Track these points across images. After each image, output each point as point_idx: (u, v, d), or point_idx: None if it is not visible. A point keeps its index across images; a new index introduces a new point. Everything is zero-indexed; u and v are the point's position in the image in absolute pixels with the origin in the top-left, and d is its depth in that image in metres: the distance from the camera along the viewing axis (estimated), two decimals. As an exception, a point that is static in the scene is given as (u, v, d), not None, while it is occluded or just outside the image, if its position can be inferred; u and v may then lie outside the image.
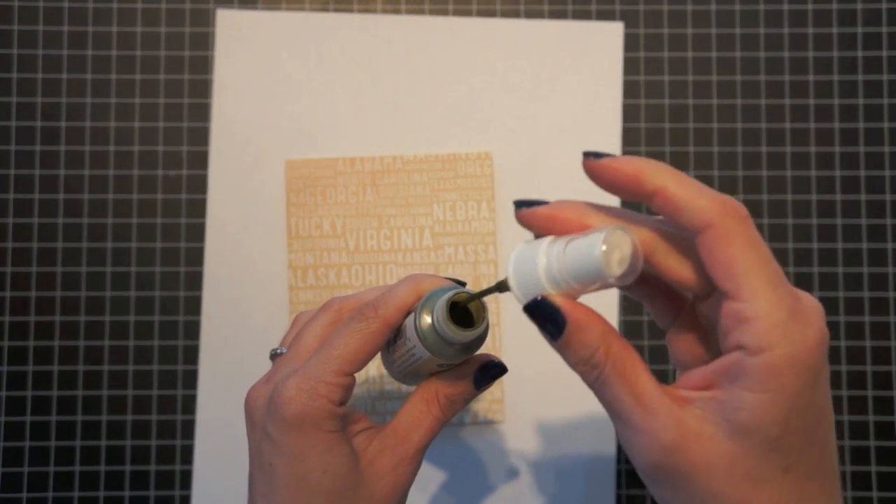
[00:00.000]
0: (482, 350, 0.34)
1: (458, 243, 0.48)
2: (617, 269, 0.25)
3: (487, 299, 0.31)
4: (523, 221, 0.28)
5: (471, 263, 0.48)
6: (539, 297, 0.27)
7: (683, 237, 0.27)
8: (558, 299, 0.27)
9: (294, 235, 0.48)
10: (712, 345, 0.29)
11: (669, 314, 0.30)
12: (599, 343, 0.26)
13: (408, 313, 0.32)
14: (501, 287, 0.29)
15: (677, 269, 0.27)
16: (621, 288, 0.27)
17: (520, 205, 0.28)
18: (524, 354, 0.48)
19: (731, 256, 0.25)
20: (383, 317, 0.32)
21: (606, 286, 0.26)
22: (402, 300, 0.32)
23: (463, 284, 0.34)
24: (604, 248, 0.25)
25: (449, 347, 0.32)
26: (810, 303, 0.26)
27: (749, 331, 0.25)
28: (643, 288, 0.30)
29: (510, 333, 0.48)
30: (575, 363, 0.27)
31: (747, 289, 0.25)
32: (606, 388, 0.26)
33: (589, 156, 0.27)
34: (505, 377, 0.44)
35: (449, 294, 0.31)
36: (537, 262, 0.27)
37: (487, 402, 0.48)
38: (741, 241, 0.25)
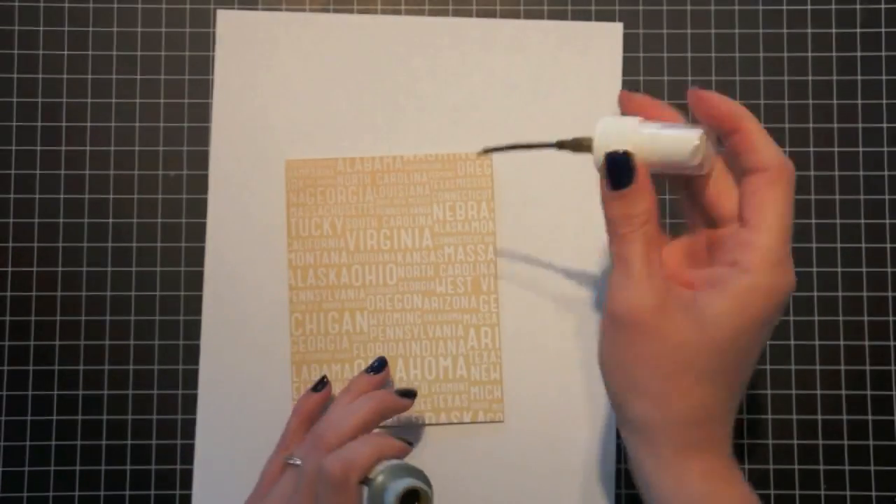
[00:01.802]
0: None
1: (457, 243, 0.48)
2: (697, 162, 0.33)
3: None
4: (622, 101, 0.37)
5: (470, 263, 0.48)
6: (622, 151, 0.33)
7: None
8: (638, 160, 0.33)
9: (294, 235, 0.49)
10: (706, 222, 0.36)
11: (690, 203, 0.37)
12: (646, 210, 0.33)
13: (366, 476, 0.39)
14: (575, 145, 0.36)
15: (713, 188, 0.35)
16: (677, 174, 0.35)
17: (625, 92, 0.37)
18: (524, 355, 0.48)
19: (767, 197, 0.32)
20: (350, 480, 0.38)
21: (678, 170, 0.34)
22: (365, 462, 0.39)
23: (410, 444, 0.42)
24: (698, 142, 0.33)
25: None
26: (792, 266, 0.33)
27: (749, 253, 0.31)
28: (687, 188, 0.37)
29: (510, 335, 0.48)
30: (618, 215, 0.33)
31: (764, 224, 0.31)
32: (628, 244, 0.33)
33: (695, 87, 0.35)
34: (505, 377, 0.45)
35: (403, 485, 0.37)
36: (627, 131, 0.34)
37: (488, 401, 0.48)
38: (781, 191, 0.32)
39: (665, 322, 0.32)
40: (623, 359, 0.33)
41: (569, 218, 0.49)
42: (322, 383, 0.46)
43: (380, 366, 0.46)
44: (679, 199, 0.38)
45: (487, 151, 0.41)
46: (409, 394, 0.45)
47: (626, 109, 0.36)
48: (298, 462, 0.41)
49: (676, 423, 0.32)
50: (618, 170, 0.33)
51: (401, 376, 0.48)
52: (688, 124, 0.35)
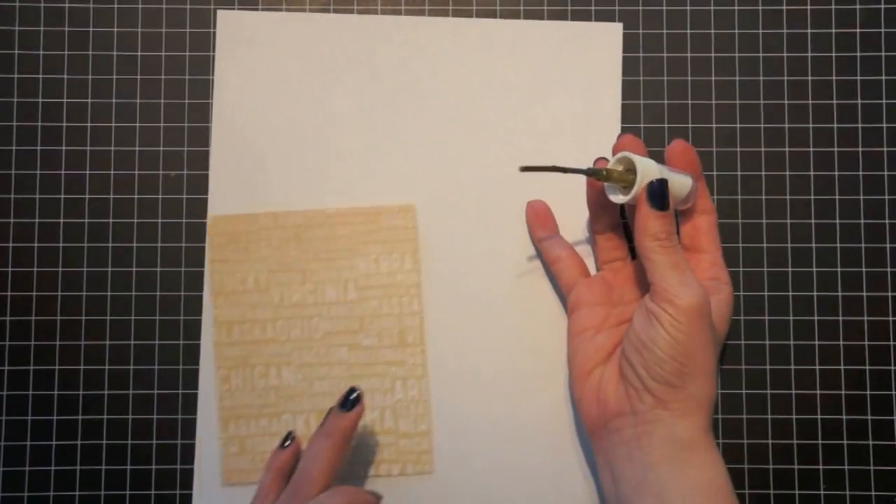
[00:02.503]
0: None
1: (382, 296, 0.48)
2: (692, 202, 0.45)
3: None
4: (624, 144, 0.44)
5: (395, 316, 0.48)
6: (662, 179, 0.41)
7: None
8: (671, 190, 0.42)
9: (218, 291, 0.48)
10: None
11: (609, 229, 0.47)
12: (673, 230, 0.41)
13: None
14: (607, 175, 0.42)
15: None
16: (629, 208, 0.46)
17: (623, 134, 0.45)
18: (454, 405, 0.48)
19: (714, 232, 0.46)
20: None
21: (676, 205, 0.44)
22: None
23: (380, 497, 0.44)
24: (693, 185, 0.44)
25: None
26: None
27: (722, 273, 0.46)
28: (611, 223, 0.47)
29: (438, 386, 0.48)
30: (662, 231, 0.40)
31: (719, 252, 0.46)
32: (676, 253, 0.40)
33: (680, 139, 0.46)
34: (435, 429, 0.48)
35: None
36: (656, 168, 0.41)
37: (416, 453, 0.48)
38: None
39: (710, 312, 0.40)
40: (692, 344, 0.39)
41: (495, 267, 0.49)
42: (288, 438, 0.46)
43: (353, 402, 0.44)
44: (598, 234, 0.47)
45: (526, 169, 0.41)
46: (377, 496, 0.44)
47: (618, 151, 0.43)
48: None
49: (713, 399, 0.41)
50: (661, 194, 0.40)
51: None
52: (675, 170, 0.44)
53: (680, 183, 0.43)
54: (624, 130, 0.50)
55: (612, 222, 0.46)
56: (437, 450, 0.48)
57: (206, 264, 0.49)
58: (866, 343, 0.49)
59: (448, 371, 0.48)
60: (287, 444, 0.46)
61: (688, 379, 0.40)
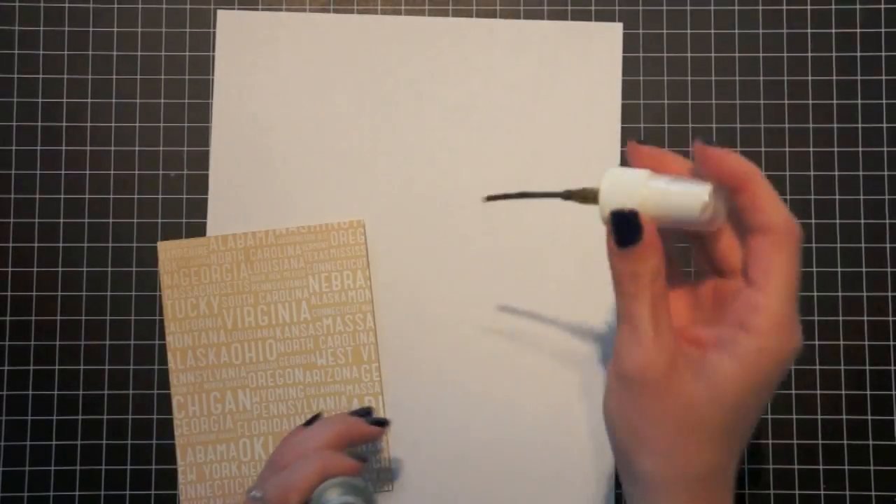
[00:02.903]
0: None
1: (335, 314, 0.48)
2: (706, 218, 0.32)
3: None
4: (629, 152, 0.35)
5: (349, 333, 0.48)
6: (630, 210, 0.32)
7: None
8: (645, 218, 0.32)
9: (171, 317, 0.48)
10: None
11: (702, 256, 0.36)
12: (654, 268, 0.32)
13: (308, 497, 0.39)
14: (582, 196, 0.35)
15: (723, 242, 0.34)
16: (688, 228, 0.33)
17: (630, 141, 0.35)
18: (410, 422, 0.48)
19: (773, 260, 0.31)
20: (289, 502, 0.38)
21: (688, 226, 0.32)
22: (305, 484, 0.39)
23: (364, 460, 0.41)
24: (707, 199, 0.31)
25: None
26: (799, 327, 0.32)
27: (757, 317, 0.31)
28: (698, 237, 0.36)
29: (394, 403, 0.48)
30: (623, 272, 0.32)
31: (772, 287, 0.31)
32: (636, 303, 0.32)
33: (700, 141, 0.33)
34: (392, 446, 0.48)
35: (337, 502, 0.38)
36: (635, 185, 0.32)
37: (375, 471, 0.48)
38: (787, 254, 0.31)
39: (675, 382, 0.31)
40: (632, 416, 0.32)
41: (447, 281, 0.49)
42: (316, 418, 0.45)
43: (366, 413, 0.44)
44: (689, 247, 0.38)
45: (491, 199, 0.38)
46: (381, 422, 0.44)
47: (633, 161, 0.35)
48: (259, 494, 0.40)
49: (682, 481, 0.32)
50: (625, 227, 0.32)
51: None
52: (696, 179, 0.33)
53: (682, 198, 0.32)
54: (624, 130, 0.50)
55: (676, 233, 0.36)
56: (395, 467, 0.48)
57: (160, 290, 0.48)
58: (866, 343, 0.49)
59: (403, 387, 0.48)
60: (311, 424, 0.44)
61: (632, 456, 0.33)
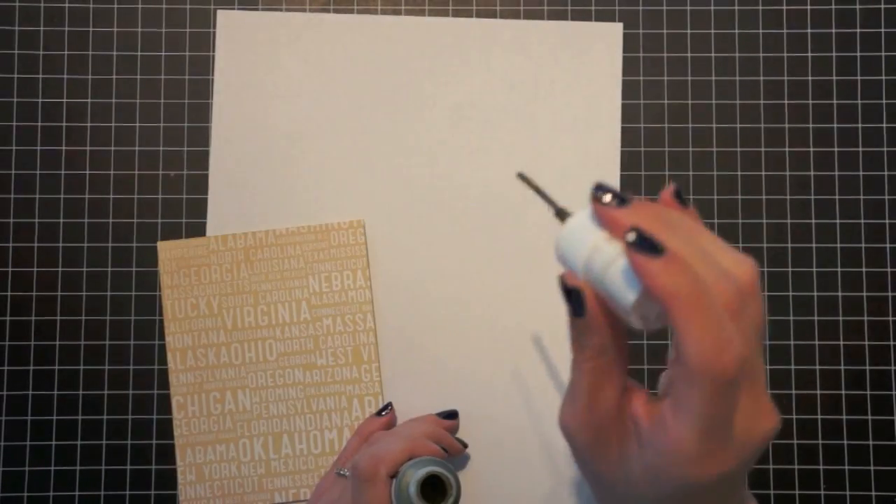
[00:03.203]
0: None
1: (335, 314, 0.48)
2: (636, 320, 0.28)
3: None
4: (594, 209, 0.30)
5: (349, 333, 0.48)
6: (576, 288, 0.29)
7: None
8: (590, 297, 0.29)
9: (171, 318, 0.48)
10: None
11: None
12: (597, 346, 0.30)
13: (396, 472, 0.41)
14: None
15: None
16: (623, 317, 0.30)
17: (598, 190, 0.29)
18: (410, 417, 0.48)
19: (682, 393, 0.27)
20: (379, 473, 0.40)
21: (622, 315, 0.29)
22: (394, 458, 0.41)
23: (445, 450, 0.44)
24: (632, 301, 0.28)
25: None
26: (718, 459, 0.28)
27: (662, 435, 0.28)
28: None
29: (394, 403, 0.49)
30: (572, 339, 0.30)
31: (680, 416, 0.28)
32: (577, 371, 0.30)
33: (636, 242, 0.28)
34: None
35: (423, 471, 0.39)
36: (582, 254, 0.29)
37: None
38: (696, 393, 0.27)
39: (596, 459, 0.31)
40: (578, 464, 0.32)
41: (447, 280, 0.49)
42: (386, 408, 0.47)
43: (454, 415, 0.48)
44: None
45: (521, 177, 0.34)
46: (463, 444, 0.47)
47: (599, 221, 0.30)
48: (347, 472, 0.42)
49: None
50: (571, 298, 0.30)
51: (287, 452, 0.48)
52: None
53: (618, 287, 0.28)
54: (624, 130, 0.50)
55: None
56: None
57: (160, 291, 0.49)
58: (866, 343, 0.49)
59: (403, 386, 0.49)
60: (384, 413, 0.47)
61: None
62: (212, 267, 0.49)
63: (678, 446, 0.28)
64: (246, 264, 0.49)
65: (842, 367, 0.49)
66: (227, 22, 0.50)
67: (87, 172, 0.50)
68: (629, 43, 0.50)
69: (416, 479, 0.39)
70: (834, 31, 0.50)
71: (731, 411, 0.28)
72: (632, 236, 0.27)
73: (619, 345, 0.30)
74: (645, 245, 0.27)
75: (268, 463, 0.47)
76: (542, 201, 0.32)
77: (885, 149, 0.50)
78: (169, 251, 0.49)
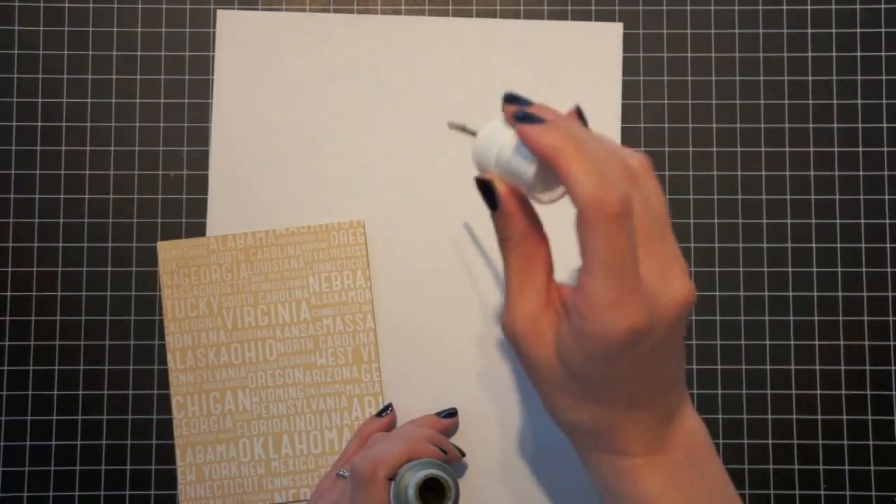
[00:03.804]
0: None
1: (335, 314, 0.48)
2: (539, 192, 0.32)
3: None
4: (503, 106, 0.33)
5: (350, 333, 0.48)
6: (487, 180, 0.33)
7: None
8: (500, 187, 0.33)
9: (171, 318, 0.48)
10: None
11: None
12: (518, 233, 0.33)
13: (395, 473, 0.41)
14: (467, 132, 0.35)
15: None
16: (533, 197, 0.33)
17: (508, 99, 0.33)
18: (410, 418, 0.48)
19: (584, 240, 0.30)
20: (377, 475, 0.40)
21: (531, 196, 0.32)
22: (393, 459, 0.41)
23: (445, 452, 0.44)
24: (533, 173, 0.31)
25: None
26: (632, 305, 0.30)
27: (579, 297, 0.30)
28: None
29: (394, 403, 0.48)
30: (497, 234, 0.34)
31: (588, 268, 0.30)
32: (505, 264, 0.33)
33: (518, 116, 0.31)
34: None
35: (422, 474, 0.39)
36: (492, 151, 0.33)
37: None
38: (596, 233, 0.29)
39: (534, 344, 0.33)
40: (523, 367, 0.34)
41: (447, 281, 0.49)
42: (386, 409, 0.47)
43: (453, 413, 0.48)
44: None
45: (452, 126, 0.37)
46: (461, 452, 0.47)
47: (506, 117, 0.34)
48: (346, 473, 0.42)
49: (573, 430, 0.34)
50: (486, 194, 0.33)
51: (287, 452, 0.48)
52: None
53: (520, 167, 0.32)
54: (624, 130, 0.50)
55: None
56: None
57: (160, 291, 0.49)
58: (866, 343, 0.49)
59: (403, 387, 0.49)
60: (383, 414, 0.47)
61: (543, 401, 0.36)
62: (212, 267, 0.48)
63: (589, 297, 0.30)
64: (246, 264, 0.49)
65: (842, 367, 0.49)
66: (227, 22, 0.50)
67: (87, 172, 0.50)
68: (629, 43, 0.50)
69: (414, 482, 0.39)
70: (834, 31, 0.50)
71: (629, 252, 0.29)
72: (519, 114, 0.31)
73: (537, 231, 0.33)
74: (529, 118, 0.31)
75: (268, 463, 0.47)
76: (469, 139, 0.35)
77: (885, 149, 0.50)
78: (169, 251, 0.49)
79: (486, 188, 0.33)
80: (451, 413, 0.48)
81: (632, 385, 0.32)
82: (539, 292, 0.33)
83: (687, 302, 0.31)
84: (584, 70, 0.50)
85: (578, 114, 0.34)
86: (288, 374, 0.48)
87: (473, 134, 0.35)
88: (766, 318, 0.49)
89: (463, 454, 0.47)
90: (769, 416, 0.48)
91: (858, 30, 0.50)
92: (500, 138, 0.33)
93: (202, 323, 0.48)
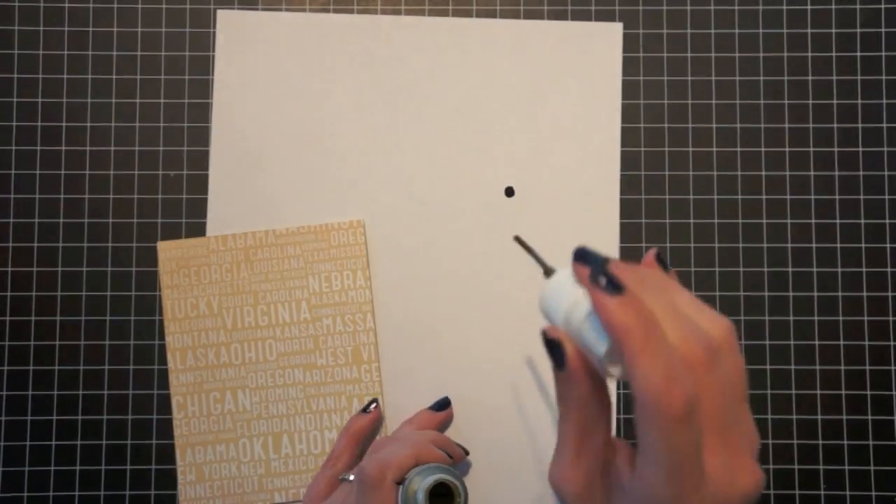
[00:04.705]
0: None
1: (335, 314, 0.48)
2: (614, 373, 0.30)
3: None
4: (577, 273, 0.31)
5: (349, 333, 0.48)
6: (556, 340, 0.31)
7: None
8: (570, 349, 0.31)
9: (171, 318, 0.48)
10: None
11: None
12: (579, 397, 0.31)
13: (403, 477, 0.41)
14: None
15: None
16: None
17: (579, 257, 0.31)
18: (410, 416, 0.48)
19: (641, 431, 0.28)
20: (385, 479, 0.41)
21: (599, 368, 0.30)
22: (401, 463, 0.41)
23: (451, 456, 0.44)
24: (604, 350, 0.29)
25: None
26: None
27: (634, 480, 0.29)
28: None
29: (394, 403, 0.48)
30: (557, 392, 0.31)
31: (647, 458, 0.28)
32: (563, 424, 0.31)
33: (594, 278, 0.29)
34: None
35: (431, 479, 0.39)
36: (563, 307, 0.31)
37: None
38: (653, 429, 0.28)
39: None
40: None
41: (447, 281, 0.49)
42: (372, 403, 0.47)
43: (446, 404, 0.48)
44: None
45: (517, 241, 0.37)
46: (464, 450, 0.47)
47: (579, 277, 0.32)
48: (352, 477, 0.42)
49: None
50: (553, 350, 0.31)
51: (287, 452, 0.48)
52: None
53: (590, 341, 0.30)
54: (624, 130, 0.50)
55: None
56: None
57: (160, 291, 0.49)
58: (866, 343, 0.49)
59: (403, 387, 0.49)
60: (368, 409, 0.47)
61: None
62: (212, 267, 0.49)
63: (648, 490, 0.28)
64: (246, 264, 0.49)
65: (842, 367, 0.49)
66: (227, 22, 0.50)
67: (87, 172, 0.50)
68: (629, 43, 0.50)
69: (424, 487, 0.39)
70: (834, 31, 0.50)
71: (693, 453, 0.28)
72: (596, 277, 0.29)
73: (601, 397, 0.31)
74: (607, 286, 0.29)
75: (268, 463, 0.47)
76: (533, 261, 0.34)
77: (885, 149, 0.50)
78: (169, 251, 0.49)
79: (552, 346, 0.31)
80: (444, 404, 0.48)
81: None
82: (597, 457, 0.32)
83: (752, 495, 0.29)
84: (584, 70, 0.50)
85: (659, 259, 0.33)
86: (288, 374, 0.48)
87: (542, 266, 0.33)
88: (766, 318, 0.49)
89: (467, 452, 0.47)
90: (769, 416, 0.48)
91: (858, 30, 0.50)
92: (572, 295, 0.31)
93: (202, 323, 0.48)
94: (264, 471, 0.47)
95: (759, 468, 0.30)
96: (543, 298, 0.31)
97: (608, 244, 0.49)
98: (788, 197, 0.49)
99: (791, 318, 0.49)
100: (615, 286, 0.29)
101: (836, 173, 0.50)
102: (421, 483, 0.39)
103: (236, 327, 0.48)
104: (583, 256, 0.31)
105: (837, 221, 0.49)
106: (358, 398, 0.48)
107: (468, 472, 0.48)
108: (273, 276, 0.48)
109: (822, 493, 0.48)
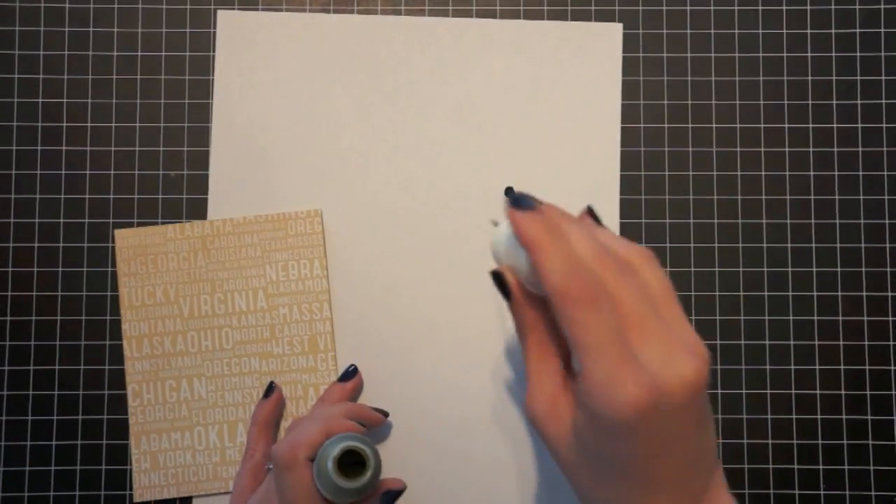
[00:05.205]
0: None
1: (292, 303, 0.48)
2: (534, 282, 0.34)
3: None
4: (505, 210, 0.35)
5: (306, 322, 0.48)
6: (495, 270, 0.36)
7: None
8: (510, 278, 0.35)
9: (128, 305, 0.48)
10: None
11: None
12: (530, 320, 0.35)
13: (315, 453, 0.41)
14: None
15: None
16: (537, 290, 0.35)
17: (508, 195, 0.35)
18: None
19: (563, 325, 0.31)
20: (298, 458, 0.41)
21: (534, 289, 0.35)
22: (311, 440, 0.41)
23: (364, 426, 0.45)
24: (525, 261, 0.34)
25: (343, 493, 0.40)
26: (627, 380, 0.31)
27: (580, 380, 0.31)
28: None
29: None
30: (514, 322, 0.36)
31: (576, 351, 0.31)
32: (524, 350, 0.35)
33: (511, 201, 0.34)
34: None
35: (339, 447, 0.39)
36: (501, 243, 0.35)
37: None
38: (568, 317, 0.31)
39: (553, 425, 0.34)
40: (547, 447, 0.36)
41: (404, 274, 0.49)
42: (271, 388, 0.47)
43: (352, 372, 0.47)
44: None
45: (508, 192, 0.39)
46: (383, 412, 0.47)
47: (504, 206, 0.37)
48: (272, 465, 0.42)
49: None
50: (498, 284, 0.36)
51: (242, 440, 0.48)
52: None
53: (517, 260, 0.35)
54: (624, 130, 0.50)
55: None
56: None
57: (118, 279, 0.49)
58: (866, 343, 0.49)
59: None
60: (269, 394, 0.47)
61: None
62: (169, 255, 0.49)
63: (586, 376, 0.31)
64: (203, 253, 0.49)
65: (842, 367, 0.49)
66: (227, 22, 0.50)
67: (88, 172, 0.50)
68: (629, 43, 0.50)
69: (332, 456, 0.39)
70: (834, 31, 0.50)
71: (609, 335, 0.30)
72: (512, 199, 0.33)
73: (552, 317, 0.35)
74: (519, 203, 0.33)
75: (223, 451, 0.47)
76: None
77: (884, 149, 0.50)
78: (126, 239, 0.49)
79: (498, 279, 0.35)
80: (350, 373, 0.47)
81: (649, 463, 0.31)
82: (555, 375, 0.35)
83: (695, 379, 0.31)
84: (584, 70, 0.50)
85: (590, 213, 0.36)
86: (244, 362, 0.48)
87: (495, 224, 0.37)
88: (766, 317, 0.49)
89: (386, 414, 0.47)
90: (769, 416, 0.48)
91: (858, 30, 0.50)
92: (509, 230, 0.35)
93: (159, 311, 0.48)
94: (219, 459, 0.48)
95: (700, 360, 0.31)
96: (492, 244, 0.36)
97: (608, 244, 0.49)
98: (788, 197, 0.49)
99: (791, 317, 0.49)
100: (527, 204, 0.33)
101: (836, 173, 0.50)
102: (330, 454, 0.39)
103: (193, 315, 0.48)
104: (513, 197, 0.35)
105: (837, 221, 0.49)
106: (314, 387, 0.48)
107: (428, 457, 0.48)
108: (230, 264, 0.49)
109: (822, 492, 0.48)
